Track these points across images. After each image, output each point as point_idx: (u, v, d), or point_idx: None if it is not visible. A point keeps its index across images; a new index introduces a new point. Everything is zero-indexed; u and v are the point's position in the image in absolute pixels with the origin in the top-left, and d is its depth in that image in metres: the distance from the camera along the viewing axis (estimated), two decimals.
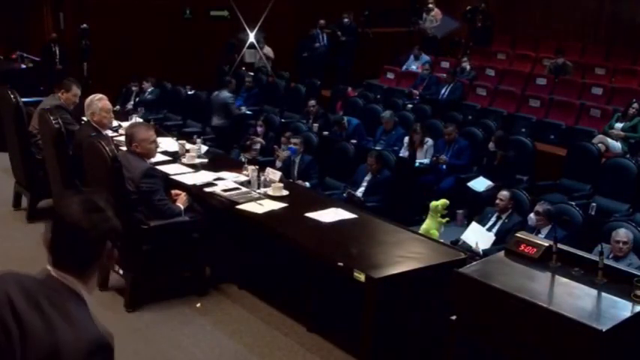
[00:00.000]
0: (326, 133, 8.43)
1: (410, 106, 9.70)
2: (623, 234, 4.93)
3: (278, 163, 7.08)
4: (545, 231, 5.27)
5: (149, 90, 10.22)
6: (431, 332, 3.93)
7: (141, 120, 7.51)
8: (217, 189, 5.15)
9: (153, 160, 5.60)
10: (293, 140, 7.10)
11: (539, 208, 5.39)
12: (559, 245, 3.59)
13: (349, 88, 10.54)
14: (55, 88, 6.08)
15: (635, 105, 8.04)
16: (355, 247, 4.24)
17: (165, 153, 6.10)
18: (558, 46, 11.11)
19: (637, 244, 5.03)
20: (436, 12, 12.91)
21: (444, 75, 10.59)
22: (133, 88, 10.38)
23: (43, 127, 5.63)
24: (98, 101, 5.44)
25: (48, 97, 6.40)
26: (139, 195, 4.61)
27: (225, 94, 9.47)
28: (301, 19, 12.97)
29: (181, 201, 4.86)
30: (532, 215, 5.42)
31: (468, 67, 11.06)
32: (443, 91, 10.20)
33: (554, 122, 8.91)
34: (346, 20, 12.55)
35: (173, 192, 4.96)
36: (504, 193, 5.83)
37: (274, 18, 12.08)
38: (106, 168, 4.54)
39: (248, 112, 9.89)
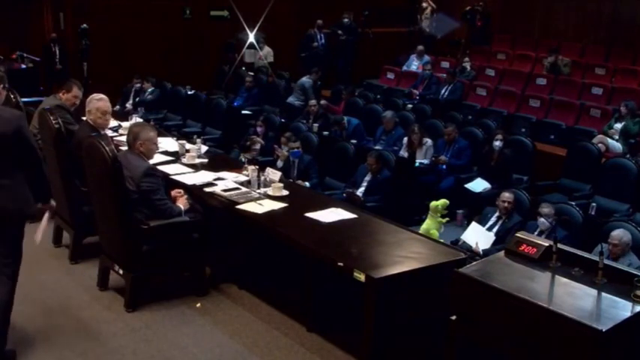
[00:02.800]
0: (326, 133, 8.44)
1: (410, 106, 9.71)
2: (614, 235, 4.92)
3: (279, 163, 7.08)
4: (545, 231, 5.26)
5: (149, 90, 10.20)
6: (431, 332, 3.93)
7: (141, 120, 7.52)
8: (217, 189, 5.16)
9: (153, 160, 5.62)
10: (292, 145, 7.08)
11: (550, 210, 5.26)
12: (559, 245, 3.59)
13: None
14: (55, 88, 6.07)
15: (623, 108, 8.08)
16: (355, 247, 4.24)
17: (165, 153, 6.10)
18: (558, 45, 11.12)
19: (637, 244, 5.03)
20: (430, 9, 12.94)
21: (444, 75, 10.60)
22: (136, 85, 10.35)
23: (43, 127, 5.63)
24: (97, 101, 5.43)
25: (49, 97, 6.38)
26: (139, 194, 4.62)
27: (305, 79, 10.63)
28: (301, 19, 12.98)
29: (182, 202, 4.86)
30: (544, 219, 5.15)
31: (468, 67, 11.07)
32: (443, 91, 10.21)
33: (554, 122, 8.92)
34: (346, 20, 12.56)
35: (173, 192, 4.96)
36: (508, 195, 5.80)
37: (274, 18, 12.08)
38: (106, 168, 4.54)
39: (248, 112, 9.89)
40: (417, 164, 7.50)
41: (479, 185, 7.08)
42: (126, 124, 6.59)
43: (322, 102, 9.49)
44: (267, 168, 5.51)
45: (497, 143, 7.20)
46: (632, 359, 3.27)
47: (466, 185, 7.12)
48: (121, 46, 11.73)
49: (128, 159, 4.66)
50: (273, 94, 10.83)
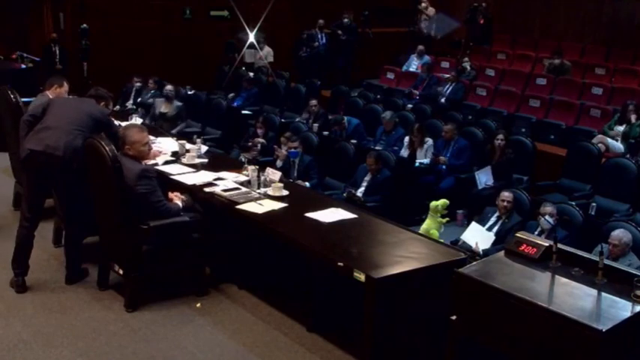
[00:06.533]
0: (326, 133, 8.43)
1: (410, 106, 9.70)
2: (614, 236, 4.91)
3: (279, 163, 7.08)
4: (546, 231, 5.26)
5: (151, 92, 10.16)
6: (431, 332, 3.94)
7: (140, 120, 7.52)
8: (217, 189, 5.16)
9: (153, 161, 5.62)
10: (291, 144, 7.08)
11: (552, 209, 5.27)
12: (559, 245, 3.59)
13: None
14: (46, 86, 5.96)
15: (631, 108, 8.02)
16: (355, 247, 4.24)
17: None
18: (558, 46, 11.13)
19: (637, 244, 5.02)
20: (430, 10, 12.96)
21: (445, 75, 10.59)
22: (136, 84, 10.32)
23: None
24: None
25: (37, 97, 6.02)
26: (136, 197, 4.60)
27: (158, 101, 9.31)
28: (301, 19, 12.98)
29: (178, 199, 4.86)
30: (547, 218, 5.10)
31: (469, 67, 11.06)
32: (445, 89, 10.18)
33: (554, 122, 8.91)
34: (346, 20, 12.56)
35: (170, 194, 4.95)
36: (508, 194, 5.79)
37: (274, 18, 12.08)
38: (106, 168, 4.54)
39: (248, 112, 9.89)
40: (417, 164, 7.51)
41: (483, 178, 7.05)
42: (125, 125, 6.57)
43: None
44: (267, 168, 5.50)
45: (499, 142, 7.22)
46: (632, 359, 3.28)
47: (476, 173, 7.09)
48: (121, 46, 11.73)
49: (122, 162, 4.62)
50: (273, 94, 10.83)
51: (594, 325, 2.98)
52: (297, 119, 9.30)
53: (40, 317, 4.63)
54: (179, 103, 9.12)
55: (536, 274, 3.51)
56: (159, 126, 8.35)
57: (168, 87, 9.24)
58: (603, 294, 3.29)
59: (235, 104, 10.37)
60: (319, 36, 12.58)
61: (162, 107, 9.04)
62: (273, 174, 5.32)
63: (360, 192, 6.73)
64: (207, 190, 5.18)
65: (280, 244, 4.65)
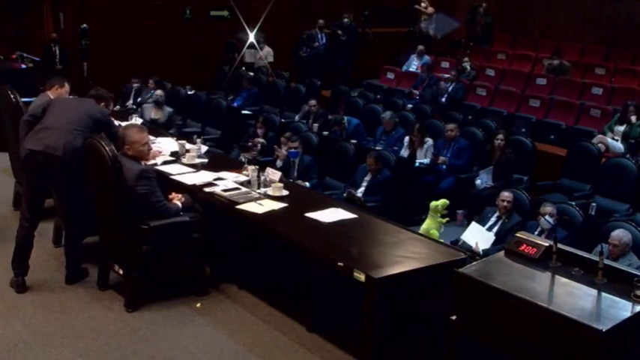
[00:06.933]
0: (326, 133, 8.43)
1: (410, 106, 9.70)
2: (614, 236, 4.91)
3: (279, 163, 7.08)
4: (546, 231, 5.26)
5: (151, 92, 10.14)
6: (431, 332, 3.94)
7: (140, 120, 7.51)
8: (217, 189, 5.16)
9: (153, 161, 5.61)
10: (291, 144, 7.08)
11: (552, 209, 5.27)
12: (559, 245, 3.59)
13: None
14: (47, 87, 5.96)
15: (632, 108, 8.02)
16: (355, 247, 4.24)
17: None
18: (558, 46, 11.13)
19: (637, 244, 5.02)
20: (429, 9, 12.97)
21: (445, 75, 10.59)
22: (134, 85, 10.32)
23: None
24: None
25: (38, 97, 6.04)
26: (136, 197, 4.60)
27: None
28: (301, 19, 12.99)
29: (177, 199, 4.86)
30: (547, 218, 5.08)
31: (469, 67, 11.06)
32: (447, 86, 10.16)
33: (554, 122, 8.90)
34: (346, 20, 12.56)
35: (170, 196, 4.95)
36: (508, 194, 5.78)
37: (274, 18, 12.08)
38: (106, 168, 4.55)
39: (248, 112, 9.89)
40: (417, 164, 7.50)
41: (484, 177, 7.05)
42: (125, 125, 6.56)
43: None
44: (267, 168, 5.51)
45: (499, 142, 7.21)
46: (632, 359, 3.28)
47: (479, 174, 7.12)
48: (121, 46, 11.73)
49: (122, 162, 4.62)
50: (273, 94, 10.83)
51: (594, 325, 2.98)
52: (295, 118, 9.32)
53: (40, 317, 4.63)
54: (169, 109, 8.94)
55: (536, 274, 3.51)
56: None
57: (158, 92, 9.05)
58: (603, 294, 3.29)
59: (235, 104, 10.37)
60: (319, 36, 12.58)
61: (153, 113, 8.79)
62: (273, 174, 5.32)
63: (360, 192, 6.73)
64: (207, 190, 5.18)
65: (280, 244, 4.65)
